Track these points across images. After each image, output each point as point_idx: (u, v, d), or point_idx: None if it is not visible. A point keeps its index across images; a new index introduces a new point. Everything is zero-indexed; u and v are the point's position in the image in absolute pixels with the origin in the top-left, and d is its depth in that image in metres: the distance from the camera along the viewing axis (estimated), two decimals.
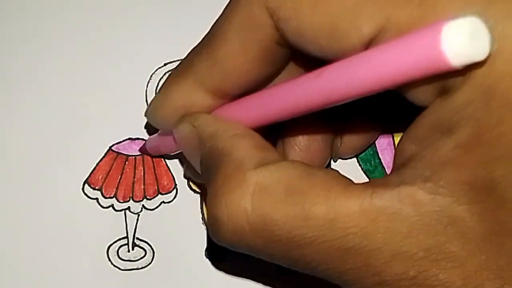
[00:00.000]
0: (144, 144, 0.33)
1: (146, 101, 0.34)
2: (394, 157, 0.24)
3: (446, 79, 0.21)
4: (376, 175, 0.33)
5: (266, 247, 0.23)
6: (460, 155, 0.21)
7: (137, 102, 0.34)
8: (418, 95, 0.22)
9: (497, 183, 0.21)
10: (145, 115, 0.30)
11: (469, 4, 0.20)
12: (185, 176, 0.33)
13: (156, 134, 0.32)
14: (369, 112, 0.31)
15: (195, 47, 0.27)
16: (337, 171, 0.23)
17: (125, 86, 0.34)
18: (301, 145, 0.29)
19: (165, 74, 0.34)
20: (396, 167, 0.23)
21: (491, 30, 0.19)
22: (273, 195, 0.23)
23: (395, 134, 0.34)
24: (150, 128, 0.33)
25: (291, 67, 0.28)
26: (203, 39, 0.27)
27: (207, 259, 0.33)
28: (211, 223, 0.24)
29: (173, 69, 0.28)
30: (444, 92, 0.21)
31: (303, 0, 0.23)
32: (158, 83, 0.34)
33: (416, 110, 0.23)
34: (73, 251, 0.33)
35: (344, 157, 0.33)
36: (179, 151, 0.29)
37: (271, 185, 0.23)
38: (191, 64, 0.27)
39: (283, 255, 0.23)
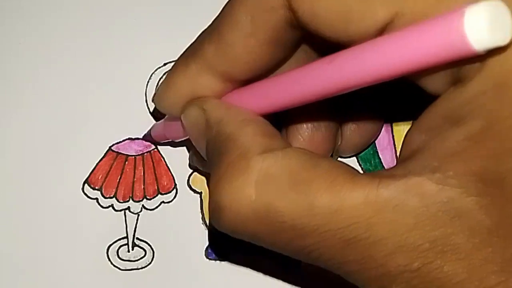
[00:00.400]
0: (149, 131, 0.33)
1: (146, 101, 0.34)
2: (401, 149, 0.23)
3: (461, 67, 0.21)
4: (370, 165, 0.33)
5: (269, 235, 0.23)
6: (470, 147, 0.20)
7: (137, 102, 0.34)
8: (432, 83, 0.22)
9: (506, 176, 0.20)
10: (152, 101, 0.29)
11: None
12: (190, 166, 0.33)
13: (162, 120, 0.32)
14: (370, 108, 0.31)
15: (204, 30, 0.27)
16: (343, 162, 0.23)
17: (125, 86, 0.34)
18: (305, 134, 0.29)
19: (165, 74, 0.34)
20: (402, 159, 0.23)
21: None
22: (277, 183, 0.22)
23: (394, 135, 0.34)
24: (156, 115, 0.33)
25: (301, 53, 0.27)
26: (213, 22, 0.26)
27: (207, 259, 0.33)
28: (213, 209, 0.24)
29: (182, 53, 0.27)
30: (457, 81, 0.21)
31: None
32: (158, 83, 0.34)
33: (420, 105, 0.23)
34: (73, 251, 0.33)
35: (344, 155, 0.33)
36: (185, 138, 0.29)
37: (276, 172, 0.23)
38: (200, 47, 0.26)
39: (286, 243, 0.23)
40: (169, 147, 0.33)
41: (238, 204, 0.23)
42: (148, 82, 0.34)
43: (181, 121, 0.28)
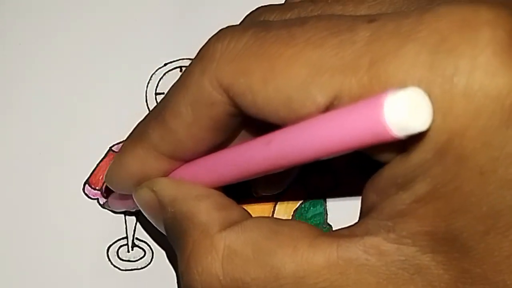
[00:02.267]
0: (107, 201, 0.33)
1: (146, 101, 0.34)
2: (361, 203, 0.24)
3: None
4: None
5: None
6: (418, 209, 0.21)
7: (137, 102, 0.34)
8: (378, 155, 0.23)
9: (457, 234, 0.21)
10: (104, 180, 0.30)
11: (413, 69, 0.20)
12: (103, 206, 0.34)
13: (114, 194, 0.32)
14: None
15: (150, 112, 0.27)
16: (304, 223, 0.24)
17: (125, 86, 0.34)
18: None
19: (165, 74, 0.34)
20: (361, 214, 0.24)
21: (437, 86, 0.20)
22: (242, 258, 0.23)
23: None
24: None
25: (245, 133, 0.28)
26: (156, 106, 0.27)
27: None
28: None
29: (128, 135, 0.28)
30: (402, 151, 0.22)
31: (254, 76, 0.22)
32: (158, 83, 0.34)
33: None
34: (73, 251, 0.33)
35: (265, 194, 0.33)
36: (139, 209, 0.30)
37: (239, 247, 0.24)
38: (145, 131, 0.26)
39: None
40: None
41: (209, 284, 0.24)
42: (148, 82, 0.34)
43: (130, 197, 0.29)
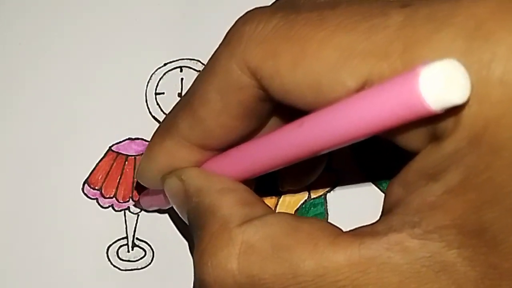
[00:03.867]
0: (138, 199, 0.33)
1: (146, 101, 0.34)
2: (383, 202, 0.24)
3: (436, 124, 0.21)
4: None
5: None
6: (448, 200, 0.21)
7: (137, 102, 0.34)
8: (409, 142, 0.22)
9: (487, 226, 0.21)
10: (135, 177, 0.30)
11: (449, 54, 0.20)
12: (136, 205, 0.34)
13: (148, 190, 0.32)
14: None
15: (177, 104, 0.27)
16: (324, 221, 0.23)
17: (125, 86, 0.34)
18: None
19: (165, 74, 0.34)
20: (384, 212, 0.23)
21: (473, 73, 0.19)
22: (260, 253, 0.23)
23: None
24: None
25: (274, 121, 0.27)
26: (184, 96, 0.26)
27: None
28: (199, 285, 0.24)
29: (156, 129, 0.28)
30: (434, 139, 0.21)
31: (283, 58, 0.22)
32: (158, 83, 0.34)
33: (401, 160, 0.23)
34: (72, 251, 0.33)
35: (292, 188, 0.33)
36: (171, 205, 0.29)
37: (258, 243, 0.23)
38: (174, 122, 0.26)
39: None
40: None
41: (222, 280, 0.23)
42: (148, 82, 0.34)
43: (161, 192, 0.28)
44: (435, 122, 0.21)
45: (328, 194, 0.34)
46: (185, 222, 0.33)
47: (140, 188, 0.33)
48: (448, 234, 0.21)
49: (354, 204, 0.33)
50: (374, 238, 0.21)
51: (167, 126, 0.27)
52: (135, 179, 0.33)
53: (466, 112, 0.20)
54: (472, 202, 0.20)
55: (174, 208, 0.28)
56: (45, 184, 0.33)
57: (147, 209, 0.33)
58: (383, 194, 0.33)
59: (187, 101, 0.26)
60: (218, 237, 0.23)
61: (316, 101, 0.22)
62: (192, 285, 0.33)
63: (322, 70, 0.21)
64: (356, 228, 0.23)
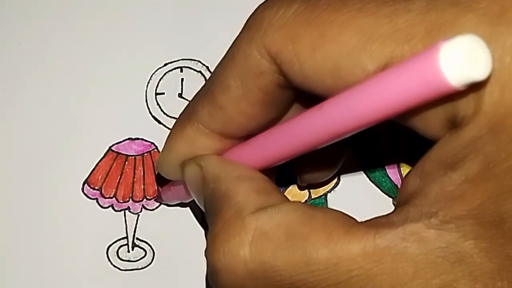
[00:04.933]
0: (159, 193, 0.33)
1: (146, 101, 0.34)
2: (399, 193, 0.23)
3: (456, 110, 0.20)
4: (376, 174, 0.33)
5: None
6: (467, 190, 0.20)
7: (137, 102, 0.34)
8: (428, 128, 0.22)
9: (506, 217, 0.20)
10: (155, 168, 0.29)
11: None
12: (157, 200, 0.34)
13: (169, 184, 0.32)
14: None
15: (197, 92, 0.27)
16: (339, 211, 0.23)
17: (125, 86, 0.34)
18: None
19: (165, 74, 0.34)
20: (399, 203, 0.23)
21: (496, 59, 0.19)
22: (273, 241, 0.22)
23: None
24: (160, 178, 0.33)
25: (295, 108, 0.27)
26: (206, 83, 0.26)
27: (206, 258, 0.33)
28: (210, 272, 0.24)
29: (177, 118, 0.28)
30: (454, 126, 0.21)
31: (303, 43, 0.22)
32: (158, 83, 0.34)
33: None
34: (72, 251, 0.33)
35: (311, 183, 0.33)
36: (192, 198, 0.29)
37: (271, 230, 0.22)
38: (194, 110, 0.26)
39: None
40: None
41: (233, 266, 0.23)
42: (148, 82, 0.34)
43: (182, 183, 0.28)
44: (455, 106, 0.20)
45: (328, 194, 0.34)
46: (186, 222, 0.33)
47: (160, 183, 0.33)
48: (465, 225, 0.20)
49: (355, 204, 0.33)
50: (389, 228, 0.21)
51: (188, 114, 0.27)
52: (135, 179, 0.33)
53: (487, 98, 0.19)
54: (491, 192, 0.20)
55: (193, 196, 0.28)
56: (45, 184, 0.33)
57: (168, 203, 0.33)
58: (383, 194, 0.33)
59: (207, 88, 0.26)
60: (231, 223, 0.23)
61: (335, 86, 0.22)
62: (192, 285, 0.33)
63: (341, 54, 0.21)
64: (371, 219, 0.22)
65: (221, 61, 0.25)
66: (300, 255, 0.22)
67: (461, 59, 0.18)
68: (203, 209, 0.27)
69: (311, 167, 0.31)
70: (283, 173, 0.31)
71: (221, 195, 0.25)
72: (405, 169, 0.33)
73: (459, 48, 0.18)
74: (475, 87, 0.19)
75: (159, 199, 0.33)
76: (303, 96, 0.25)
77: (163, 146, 0.28)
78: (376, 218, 0.22)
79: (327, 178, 0.32)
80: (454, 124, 0.21)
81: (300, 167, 0.31)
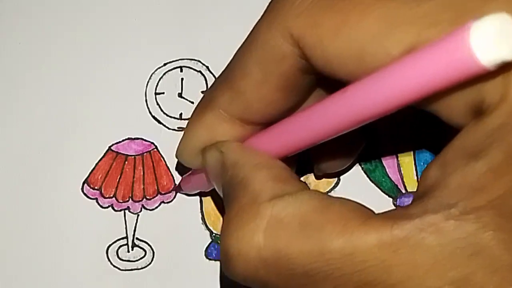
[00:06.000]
0: (179, 183, 0.33)
1: (146, 100, 0.34)
2: (417, 186, 0.23)
3: (481, 96, 0.20)
4: (376, 174, 0.33)
5: (280, 283, 0.22)
6: (490, 180, 0.20)
7: (136, 101, 0.34)
8: (453, 114, 0.22)
9: None
10: (176, 156, 0.29)
11: None
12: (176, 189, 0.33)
13: (189, 172, 0.32)
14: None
15: (217, 79, 0.27)
16: (356, 202, 0.23)
17: (125, 85, 0.34)
18: None
19: (165, 74, 0.34)
20: (417, 196, 0.22)
21: None
22: (288, 229, 0.22)
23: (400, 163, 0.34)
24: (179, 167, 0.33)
25: (318, 93, 0.27)
26: (225, 69, 0.26)
27: (207, 259, 0.33)
28: (223, 258, 0.23)
29: (197, 103, 0.28)
30: (479, 114, 0.21)
31: (325, 27, 0.22)
32: (157, 83, 0.34)
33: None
34: (72, 251, 0.32)
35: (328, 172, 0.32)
36: (212, 187, 0.29)
37: (286, 218, 0.22)
38: (214, 96, 0.26)
39: None
40: (169, 146, 0.33)
41: (246, 253, 0.22)
42: (148, 81, 0.34)
43: (202, 172, 0.28)
44: (481, 93, 0.20)
45: (328, 194, 0.33)
46: (186, 221, 0.33)
47: (180, 171, 0.33)
48: (485, 215, 0.20)
49: None
50: (407, 220, 0.20)
51: (207, 100, 0.26)
52: (135, 179, 0.33)
53: None
54: None
55: (213, 183, 0.27)
56: (44, 184, 0.33)
57: (188, 192, 0.33)
58: (383, 194, 0.33)
59: (226, 74, 0.25)
60: (246, 210, 0.23)
61: (358, 70, 0.21)
62: (192, 285, 0.33)
63: (365, 39, 0.21)
64: (388, 211, 0.22)
65: (241, 46, 0.25)
66: (314, 244, 0.21)
67: (492, 38, 0.17)
68: (220, 193, 0.27)
69: (328, 156, 0.31)
70: (299, 163, 0.30)
71: (239, 182, 0.24)
72: (405, 169, 0.33)
73: (490, 27, 0.17)
74: (504, 70, 0.19)
75: (178, 188, 0.33)
76: (324, 82, 0.25)
77: (182, 134, 0.28)
78: (393, 210, 0.22)
79: (344, 168, 0.32)
80: (479, 112, 0.20)
81: (317, 156, 0.31)
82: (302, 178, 0.33)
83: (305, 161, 0.31)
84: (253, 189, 0.24)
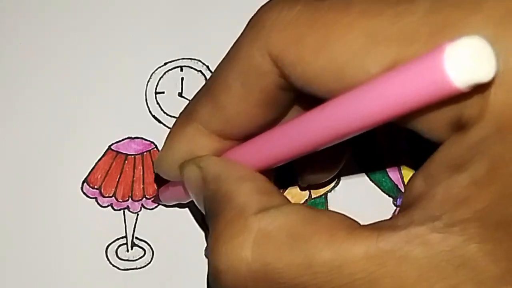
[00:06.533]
0: (157, 194, 0.33)
1: (146, 100, 0.34)
2: (403, 196, 0.23)
3: (461, 111, 0.20)
4: (377, 174, 0.33)
5: None
6: (473, 192, 0.20)
7: (136, 101, 0.34)
8: (433, 130, 0.22)
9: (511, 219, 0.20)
10: (153, 167, 0.29)
11: None
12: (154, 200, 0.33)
13: (168, 184, 0.32)
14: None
15: (197, 92, 0.27)
16: (342, 214, 0.23)
17: (125, 85, 0.34)
18: None
19: (165, 73, 0.34)
20: (403, 207, 0.22)
21: (501, 61, 0.18)
22: (276, 242, 0.22)
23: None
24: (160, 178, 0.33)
25: (296, 109, 0.27)
26: (205, 83, 0.26)
27: (207, 259, 0.33)
28: (212, 273, 0.24)
29: (177, 117, 0.28)
30: (459, 128, 0.21)
31: (306, 45, 0.22)
32: (157, 82, 0.34)
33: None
34: (71, 251, 0.32)
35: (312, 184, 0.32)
36: (191, 199, 0.29)
37: (273, 231, 0.22)
38: (194, 110, 0.26)
39: None
40: None
41: (235, 267, 0.22)
42: (148, 81, 0.34)
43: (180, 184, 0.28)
44: (460, 108, 0.20)
45: (328, 194, 0.33)
46: (185, 221, 0.33)
47: (159, 183, 0.32)
48: (470, 228, 0.20)
49: (355, 203, 0.33)
50: (393, 231, 0.21)
51: (188, 113, 0.27)
52: (135, 179, 0.33)
53: (492, 99, 0.19)
54: (497, 194, 0.20)
55: (192, 197, 0.27)
56: (44, 183, 0.33)
57: (166, 203, 0.33)
58: (384, 194, 0.33)
59: (208, 87, 0.26)
60: (233, 224, 0.23)
61: (338, 88, 0.21)
62: (191, 285, 0.33)
63: (346, 57, 0.21)
64: (375, 222, 0.22)
65: (222, 60, 0.25)
66: (302, 257, 0.21)
67: (466, 61, 0.18)
68: (202, 210, 0.27)
69: (312, 168, 0.31)
70: (283, 173, 0.31)
71: (222, 196, 0.24)
72: (405, 169, 0.33)
73: (464, 49, 0.18)
74: (480, 89, 0.19)
75: (156, 199, 0.33)
76: (303, 98, 0.25)
77: (162, 145, 0.28)
78: (379, 222, 0.22)
79: (328, 179, 0.32)
80: (459, 126, 0.21)
81: (300, 168, 0.31)
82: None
83: (287, 171, 0.31)
84: (239, 202, 0.24)
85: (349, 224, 0.22)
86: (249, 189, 0.24)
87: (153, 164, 0.33)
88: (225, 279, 0.23)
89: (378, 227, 0.21)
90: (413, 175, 0.23)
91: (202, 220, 0.33)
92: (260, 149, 0.25)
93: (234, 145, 0.27)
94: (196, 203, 0.27)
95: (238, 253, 0.22)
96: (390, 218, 0.22)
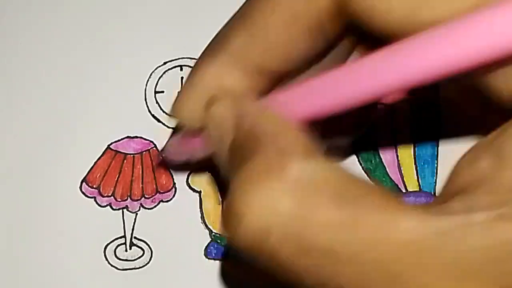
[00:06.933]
0: (164, 148, 0.30)
1: (145, 99, 0.34)
2: (449, 178, 0.20)
3: None
4: (377, 174, 0.33)
5: (292, 258, 0.19)
6: None
7: (136, 100, 0.34)
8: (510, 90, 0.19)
9: None
10: (171, 110, 0.25)
11: None
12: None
13: (176, 136, 0.28)
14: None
15: (229, 20, 0.23)
16: None
17: (124, 84, 0.34)
18: None
19: (164, 72, 0.34)
20: (457, 189, 0.19)
21: None
22: (319, 195, 0.19)
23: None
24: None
25: (341, 48, 0.23)
26: (241, 8, 0.23)
27: (206, 259, 0.33)
28: (230, 218, 0.19)
29: (206, 46, 0.24)
30: None
31: None
32: (157, 82, 0.34)
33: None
34: (69, 250, 0.32)
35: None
36: (205, 155, 0.25)
37: (319, 182, 0.19)
38: (226, 39, 0.22)
39: (310, 270, 0.19)
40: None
41: (262, 213, 0.19)
42: (147, 81, 0.34)
43: (198, 134, 0.24)
44: None
45: None
46: (184, 221, 0.33)
47: (158, 183, 0.32)
48: None
49: None
50: (449, 215, 0.18)
51: (217, 45, 0.23)
52: (134, 178, 0.33)
53: None
54: None
55: (214, 141, 0.23)
56: (43, 183, 0.33)
57: (173, 158, 0.29)
58: None
59: (243, 13, 0.22)
60: (272, 166, 0.19)
61: (410, 27, 0.18)
62: (191, 285, 0.32)
63: None
64: (425, 204, 0.20)
65: None
66: (347, 215, 0.18)
67: None
68: (219, 157, 0.22)
69: (333, 131, 0.27)
70: None
71: (264, 134, 0.20)
72: (405, 169, 0.33)
73: None
74: None
75: (161, 153, 0.30)
76: (353, 33, 0.22)
77: (183, 84, 0.24)
78: (433, 203, 0.20)
79: (347, 144, 0.30)
80: None
81: (320, 130, 0.28)
82: None
83: None
84: (284, 144, 0.20)
85: (398, 198, 0.19)
86: (295, 134, 0.20)
87: (152, 164, 0.33)
88: (247, 228, 0.19)
89: (432, 209, 0.18)
90: (466, 154, 0.20)
91: (202, 220, 0.33)
92: (311, 94, 0.21)
93: (269, 87, 0.23)
94: (217, 150, 0.23)
95: (271, 198, 0.19)
96: (443, 203, 0.19)
